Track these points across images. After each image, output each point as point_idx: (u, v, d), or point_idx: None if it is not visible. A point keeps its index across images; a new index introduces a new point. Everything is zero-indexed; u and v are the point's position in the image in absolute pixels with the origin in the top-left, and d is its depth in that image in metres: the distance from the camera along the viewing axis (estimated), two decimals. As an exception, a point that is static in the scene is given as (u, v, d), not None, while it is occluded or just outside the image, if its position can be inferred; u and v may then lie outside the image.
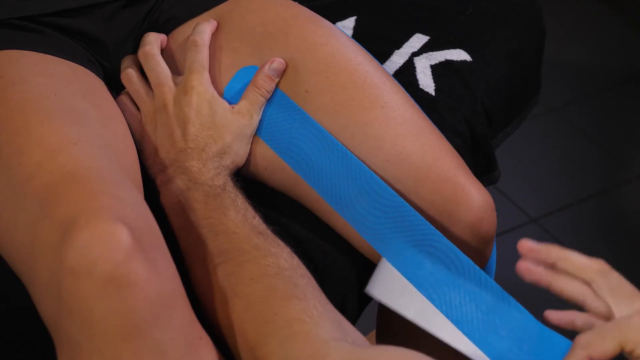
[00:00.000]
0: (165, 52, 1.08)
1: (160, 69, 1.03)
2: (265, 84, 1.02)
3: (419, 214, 0.97)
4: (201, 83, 1.01)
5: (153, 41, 1.05)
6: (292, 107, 1.02)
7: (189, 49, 1.04)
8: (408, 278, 0.91)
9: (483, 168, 1.22)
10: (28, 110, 0.91)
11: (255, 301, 0.85)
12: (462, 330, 0.88)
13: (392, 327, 1.15)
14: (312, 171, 1.01)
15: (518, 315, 0.87)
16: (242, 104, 1.02)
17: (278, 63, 1.02)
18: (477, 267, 0.91)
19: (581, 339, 0.80)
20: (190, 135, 0.99)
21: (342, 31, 1.11)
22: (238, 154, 1.01)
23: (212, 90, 1.01)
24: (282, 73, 1.03)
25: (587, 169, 2.17)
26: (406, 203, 0.97)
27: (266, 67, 1.02)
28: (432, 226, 0.95)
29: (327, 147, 1.00)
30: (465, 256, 0.92)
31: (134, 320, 0.77)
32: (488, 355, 0.87)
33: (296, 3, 1.10)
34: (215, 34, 1.06)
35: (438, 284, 0.89)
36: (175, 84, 1.02)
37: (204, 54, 1.03)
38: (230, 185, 0.97)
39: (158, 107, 1.01)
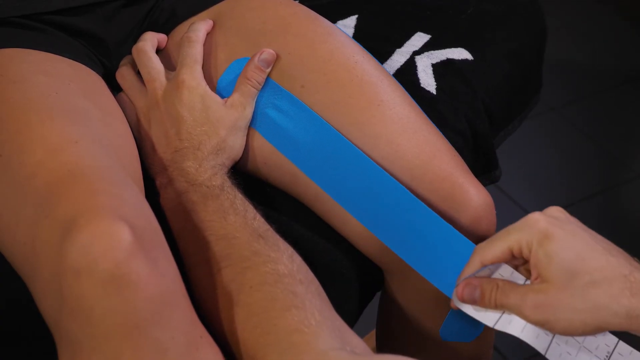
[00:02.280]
0: (164, 51, 1.08)
1: (151, 64, 1.03)
2: (255, 75, 1.02)
3: (392, 177, 0.98)
4: (193, 77, 1.01)
5: (148, 38, 1.05)
6: (284, 95, 1.02)
7: (183, 44, 1.04)
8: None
9: (484, 167, 1.22)
10: (29, 108, 0.91)
11: (255, 311, 0.85)
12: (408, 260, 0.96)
13: (392, 327, 1.15)
14: (299, 152, 1.01)
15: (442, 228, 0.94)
16: (234, 97, 1.01)
17: (267, 54, 1.02)
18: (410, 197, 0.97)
19: (477, 247, 0.86)
20: (184, 133, 0.99)
21: (342, 30, 1.11)
22: (234, 147, 1.01)
23: (203, 84, 1.01)
24: (274, 64, 1.03)
25: (588, 168, 2.17)
26: (381, 169, 0.98)
27: (256, 58, 1.02)
28: (399, 183, 0.97)
29: (314, 127, 1.00)
30: (406, 192, 0.97)
31: (134, 319, 0.77)
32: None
33: (296, 2, 1.10)
34: (214, 31, 1.06)
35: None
36: (168, 79, 1.02)
37: (197, 49, 1.03)
38: (228, 185, 0.97)
39: (150, 104, 1.01)
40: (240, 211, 0.93)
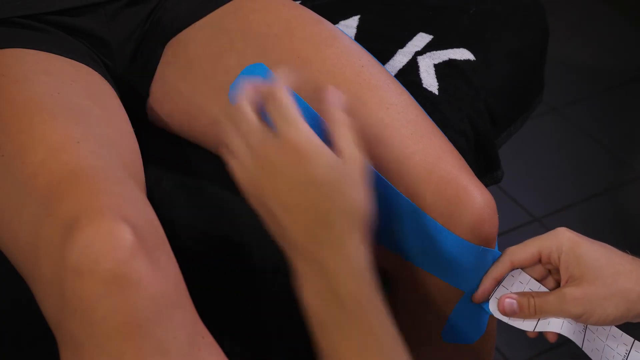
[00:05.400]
0: (171, 55, 1.08)
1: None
2: (344, 117, 0.88)
3: (396, 189, 0.98)
4: (309, 139, 0.85)
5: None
6: (297, 101, 1.01)
7: (269, 102, 0.87)
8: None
9: (486, 167, 1.22)
10: (31, 108, 0.91)
11: None
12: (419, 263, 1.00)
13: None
14: None
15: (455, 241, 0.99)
16: (345, 147, 0.86)
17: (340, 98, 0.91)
18: (417, 210, 0.97)
19: (508, 249, 0.98)
20: (311, 206, 0.84)
21: (344, 31, 1.11)
22: (360, 205, 0.86)
23: (318, 142, 0.85)
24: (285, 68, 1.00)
25: (590, 168, 2.17)
26: (384, 178, 0.98)
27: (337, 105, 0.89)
28: (403, 195, 0.98)
29: (318, 132, 1.00)
30: (411, 204, 0.98)
31: (136, 318, 0.77)
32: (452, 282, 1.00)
33: (297, 3, 1.10)
34: (220, 35, 1.06)
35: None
36: (275, 137, 0.85)
37: (290, 100, 0.87)
38: (373, 280, 0.85)
39: (262, 164, 0.85)
40: (385, 310, 0.85)
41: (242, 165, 0.86)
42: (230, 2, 1.08)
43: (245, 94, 0.87)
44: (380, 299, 0.84)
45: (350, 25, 1.26)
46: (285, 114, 0.85)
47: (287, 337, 1.01)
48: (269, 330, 1.01)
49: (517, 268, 0.99)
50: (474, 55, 1.25)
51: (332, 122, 0.89)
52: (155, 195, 1.00)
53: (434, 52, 1.23)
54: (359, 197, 0.86)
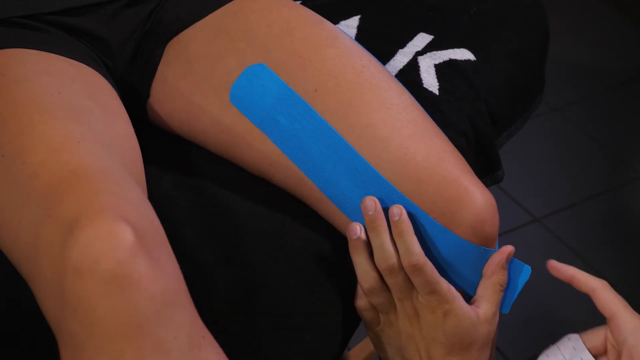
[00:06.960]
0: (171, 55, 1.07)
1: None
2: (505, 277, 0.99)
3: (398, 190, 0.98)
4: (456, 305, 0.96)
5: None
6: (297, 101, 1.02)
7: (413, 274, 0.95)
8: None
9: (487, 168, 1.22)
10: (32, 108, 0.91)
11: None
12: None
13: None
14: (308, 160, 1.01)
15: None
16: (487, 309, 0.98)
17: (510, 250, 0.99)
18: (435, 224, 0.98)
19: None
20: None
21: (344, 31, 1.11)
22: None
23: (464, 306, 0.96)
24: (285, 69, 1.02)
25: (591, 169, 2.17)
26: (386, 180, 0.98)
27: (504, 259, 0.98)
28: (404, 196, 0.97)
29: (325, 136, 1.00)
30: (427, 217, 0.98)
31: (137, 318, 0.77)
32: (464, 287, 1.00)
33: (298, 3, 1.10)
34: (220, 35, 1.06)
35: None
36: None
37: (433, 269, 0.96)
38: None
39: (416, 315, 0.98)
40: None
41: (387, 316, 0.99)
42: (231, 2, 1.08)
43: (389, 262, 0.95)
44: None
45: (350, 25, 1.26)
46: (436, 288, 0.95)
47: (286, 336, 1.01)
48: (268, 330, 1.01)
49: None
50: (475, 56, 1.25)
51: (491, 283, 0.98)
52: (155, 195, 1.00)
53: (435, 52, 1.23)
54: (480, 356, 0.97)
